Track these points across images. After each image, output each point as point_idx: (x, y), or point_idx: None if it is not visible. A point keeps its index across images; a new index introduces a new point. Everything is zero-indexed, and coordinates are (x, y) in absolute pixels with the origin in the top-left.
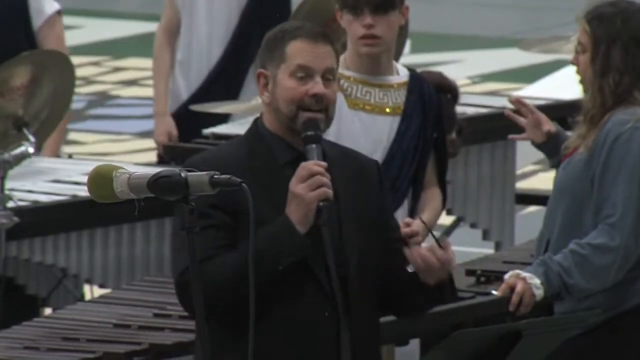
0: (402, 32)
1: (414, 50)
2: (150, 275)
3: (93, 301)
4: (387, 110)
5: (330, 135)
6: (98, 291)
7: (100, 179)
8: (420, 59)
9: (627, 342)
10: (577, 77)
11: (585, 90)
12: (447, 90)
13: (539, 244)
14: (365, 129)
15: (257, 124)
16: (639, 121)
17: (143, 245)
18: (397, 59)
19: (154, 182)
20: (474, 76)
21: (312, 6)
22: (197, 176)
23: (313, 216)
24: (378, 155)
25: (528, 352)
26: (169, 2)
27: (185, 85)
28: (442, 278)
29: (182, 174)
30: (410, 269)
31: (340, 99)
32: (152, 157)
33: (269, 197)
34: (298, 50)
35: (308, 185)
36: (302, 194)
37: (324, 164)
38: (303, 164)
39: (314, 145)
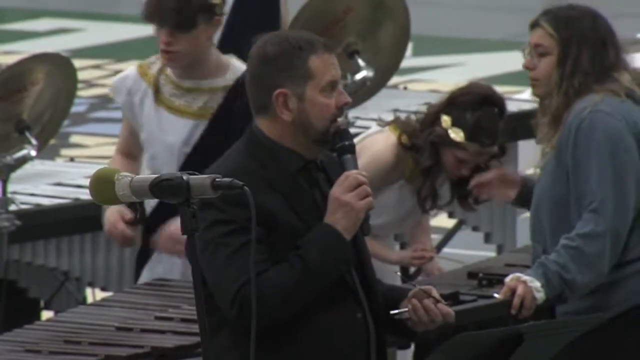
0: (404, 35)
1: (416, 53)
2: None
3: (95, 304)
4: (191, 113)
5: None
6: (100, 294)
7: (102, 182)
8: (421, 62)
9: (619, 346)
10: (530, 81)
11: (541, 93)
12: (493, 104)
13: (535, 258)
14: (162, 128)
15: (255, 135)
16: (596, 105)
17: None
18: (398, 62)
19: (156, 185)
20: (475, 79)
21: (313, 10)
22: (199, 179)
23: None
24: (174, 158)
25: (530, 355)
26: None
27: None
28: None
29: (184, 177)
30: (400, 315)
31: (149, 93)
32: None
33: (290, 205)
34: (324, 65)
35: (357, 194)
36: (352, 203)
37: (365, 173)
38: (347, 173)
39: (349, 155)
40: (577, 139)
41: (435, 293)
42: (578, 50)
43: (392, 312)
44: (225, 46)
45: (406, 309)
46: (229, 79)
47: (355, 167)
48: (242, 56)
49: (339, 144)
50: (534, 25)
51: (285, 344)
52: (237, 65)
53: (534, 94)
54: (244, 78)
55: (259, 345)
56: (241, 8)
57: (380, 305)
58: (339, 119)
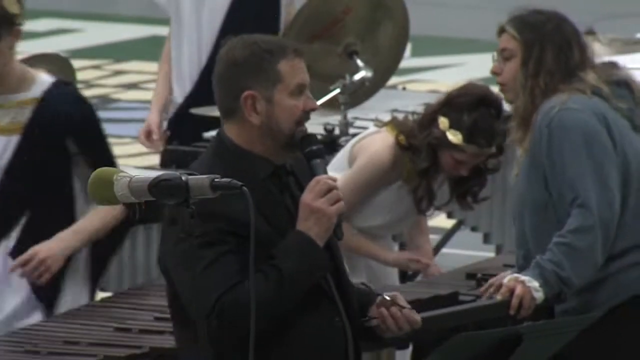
0: (403, 35)
1: (415, 53)
2: (151, 279)
3: (94, 305)
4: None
5: None
6: (99, 295)
7: (101, 182)
8: (421, 63)
9: (612, 342)
10: (499, 86)
11: (511, 97)
12: (490, 105)
13: (518, 264)
14: None
15: (223, 141)
16: (564, 103)
17: (144, 249)
18: (397, 62)
19: (155, 185)
20: (474, 80)
21: (313, 10)
22: (198, 179)
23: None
24: None
25: (529, 355)
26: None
27: (179, 89)
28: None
29: (183, 178)
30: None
31: None
32: (154, 160)
33: (261, 212)
34: (293, 70)
35: (328, 199)
36: (324, 209)
37: (336, 177)
38: (318, 179)
39: (318, 160)
40: (550, 139)
41: (401, 300)
42: (541, 51)
43: (362, 319)
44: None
45: (375, 317)
46: (36, 92)
47: (325, 171)
48: None
49: (307, 149)
50: (501, 31)
51: (263, 352)
52: (44, 79)
53: (506, 100)
54: (52, 90)
55: (236, 354)
56: (239, 8)
57: (356, 310)
58: (303, 128)
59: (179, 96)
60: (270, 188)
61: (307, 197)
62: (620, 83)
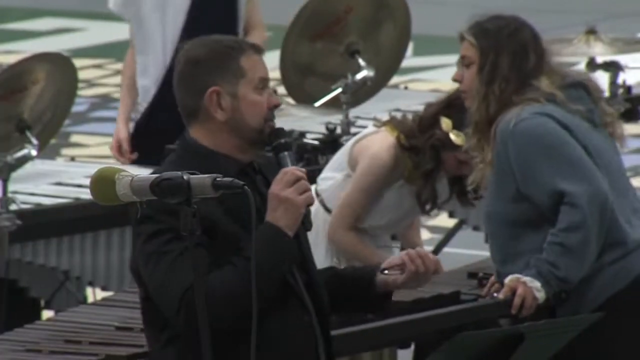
0: (405, 35)
1: (417, 52)
2: None
3: (95, 304)
4: None
5: None
6: (100, 294)
7: (103, 181)
8: (422, 62)
9: (605, 343)
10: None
11: (469, 104)
12: None
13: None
14: None
15: (188, 144)
16: (518, 115)
17: None
18: (399, 61)
19: (157, 184)
20: None
21: (314, 9)
22: (200, 179)
23: (300, 220)
24: None
25: (530, 355)
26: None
27: (146, 90)
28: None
29: (185, 177)
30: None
31: None
32: None
33: (229, 211)
34: (254, 64)
35: (296, 189)
36: (292, 198)
37: (304, 170)
38: (285, 170)
39: (286, 153)
40: (516, 154)
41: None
42: (496, 57)
43: (383, 269)
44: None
45: (397, 271)
46: None
47: (293, 163)
48: None
49: (274, 142)
50: (461, 38)
51: (231, 351)
52: None
53: (467, 107)
54: None
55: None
56: (200, 10)
57: (327, 306)
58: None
59: (144, 100)
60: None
61: (275, 187)
62: (576, 85)
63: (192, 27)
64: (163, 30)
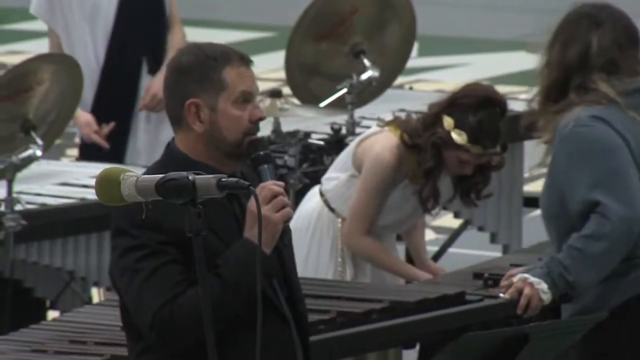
0: (410, 35)
1: (422, 53)
2: None
3: (101, 304)
4: None
5: None
6: (106, 294)
7: (108, 182)
8: (427, 62)
9: (612, 344)
10: None
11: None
12: (495, 104)
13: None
14: None
15: (172, 150)
16: (578, 119)
17: None
18: (404, 62)
19: (162, 185)
20: (481, 79)
21: (319, 10)
22: (205, 179)
23: (278, 237)
24: None
25: (535, 355)
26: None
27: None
28: None
29: (190, 177)
30: None
31: None
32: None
33: (208, 222)
34: (238, 77)
35: (273, 206)
36: (268, 216)
37: (282, 183)
38: (262, 185)
39: (265, 166)
40: (567, 156)
41: None
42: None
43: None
44: (113, 44)
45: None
46: None
47: (273, 177)
48: (130, 52)
49: (253, 154)
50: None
51: None
52: None
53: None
54: None
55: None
56: (127, 8)
57: (306, 319)
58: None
59: (83, 109)
60: (218, 198)
61: (253, 204)
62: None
63: (122, 23)
64: (92, 32)
